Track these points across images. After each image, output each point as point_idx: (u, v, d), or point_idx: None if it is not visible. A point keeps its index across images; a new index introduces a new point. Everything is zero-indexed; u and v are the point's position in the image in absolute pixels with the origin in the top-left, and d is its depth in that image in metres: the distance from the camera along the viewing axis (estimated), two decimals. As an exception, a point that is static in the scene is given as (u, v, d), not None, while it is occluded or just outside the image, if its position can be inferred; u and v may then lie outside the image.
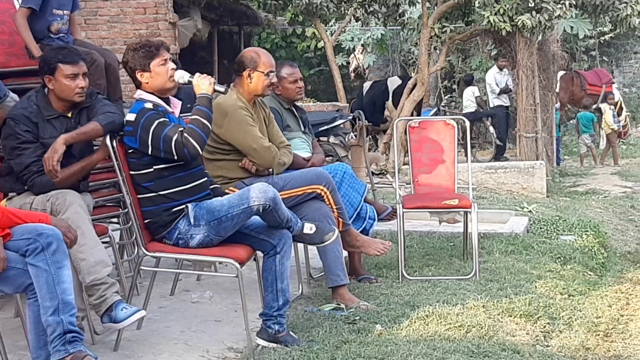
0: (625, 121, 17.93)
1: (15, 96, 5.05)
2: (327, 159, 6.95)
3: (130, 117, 4.38)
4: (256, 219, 4.48)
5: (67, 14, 5.93)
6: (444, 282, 5.92)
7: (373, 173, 10.22)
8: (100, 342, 4.48)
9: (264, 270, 4.50)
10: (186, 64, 6.21)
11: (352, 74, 23.22)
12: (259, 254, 4.60)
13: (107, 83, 5.83)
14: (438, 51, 13.91)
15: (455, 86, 20.83)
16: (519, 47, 12.29)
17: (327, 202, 5.28)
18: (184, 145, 4.27)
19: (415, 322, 4.85)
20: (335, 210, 5.29)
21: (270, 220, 4.46)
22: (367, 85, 16.12)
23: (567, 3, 11.64)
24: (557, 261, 7.04)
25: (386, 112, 14.66)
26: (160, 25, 11.52)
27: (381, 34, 20.64)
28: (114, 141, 4.39)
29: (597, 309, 5.74)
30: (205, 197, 4.51)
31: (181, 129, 4.32)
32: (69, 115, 4.56)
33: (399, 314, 5.02)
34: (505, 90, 14.79)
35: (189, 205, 4.39)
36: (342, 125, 9.49)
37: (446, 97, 20.49)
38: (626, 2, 12.28)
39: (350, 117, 10.20)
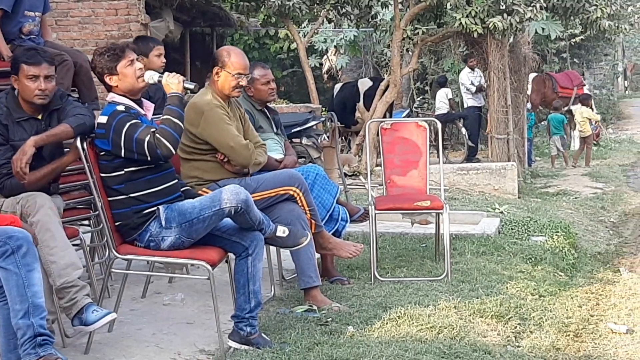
0: (597, 122, 18.16)
1: None
2: (299, 160, 6.96)
3: (102, 119, 4.36)
4: (228, 220, 4.48)
5: (39, 15, 5.90)
6: (416, 283, 5.94)
7: (345, 174, 10.23)
8: (71, 345, 4.45)
9: (235, 272, 4.49)
10: (158, 65, 6.21)
11: (325, 76, 23.24)
12: (231, 256, 4.59)
13: (80, 84, 5.81)
14: (410, 53, 13.94)
15: (427, 88, 20.89)
16: (491, 49, 12.36)
17: (300, 204, 5.28)
18: (156, 146, 4.26)
19: (387, 323, 4.87)
20: (307, 211, 5.30)
21: (242, 223, 4.46)
22: (337, 87, 16.15)
23: (537, 5, 11.73)
24: (528, 262, 7.09)
25: (357, 114, 14.69)
26: (132, 27, 11.45)
27: (354, 35, 20.66)
28: (85, 143, 4.37)
29: (567, 310, 5.79)
30: (176, 199, 4.50)
31: (153, 129, 4.31)
32: (39, 117, 4.54)
33: (371, 316, 5.03)
34: (480, 88, 14.87)
35: (160, 207, 4.38)
36: (314, 127, 9.50)
37: (419, 99, 20.55)
38: (596, 5, 12.38)
39: (323, 119, 10.21)
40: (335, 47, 21.97)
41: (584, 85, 18.94)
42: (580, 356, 5.04)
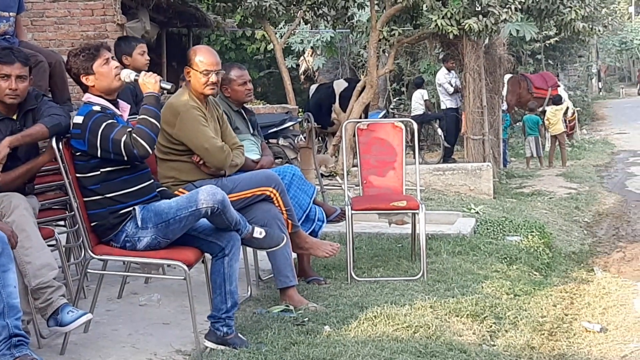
0: (572, 115, 18.29)
1: None
2: (276, 161, 6.95)
3: (78, 119, 4.33)
4: (205, 221, 4.47)
5: (13, 15, 5.86)
6: (392, 283, 5.97)
7: (322, 175, 10.24)
8: (47, 346, 4.43)
9: (212, 272, 4.49)
10: (134, 65, 6.19)
11: (302, 77, 23.28)
12: (208, 256, 4.59)
13: (53, 85, 5.78)
14: (387, 54, 13.99)
15: (404, 89, 20.97)
16: (466, 50, 12.44)
17: (277, 204, 5.29)
18: (133, 146, 4.25)
19: (363, 322, 4.89)
20: (284, 212, 5.31)
21: (219, 223, 4.46)
22: (313, 88, 16.14)
23: (512, 7, 11.81)
24: (503, 262, 7.14)
25: (333, 115, 14.70)
26: (108, 27, 11.40)
27: (330, 36, 20.71)
28: (60, 143, 4.35)
29: (542, 309, 5.84)
30: (152, 199, 4.49)
31: (130, 129, 4.29)
32: (14, 117, 4.51)
33: (347, 315, 5.04)
34: (458, 89, 14.93)
35: (137, 207, 4.37)
36: (291, 128, 9.49)
37: (395, 100, 20.62)
38: (570, 7, 12.48)
39: (300, 120, 10.21)
40: (312, 48, 22.03)
41: (559, 86, 19.08)
42: (555, 355, 5.09)
